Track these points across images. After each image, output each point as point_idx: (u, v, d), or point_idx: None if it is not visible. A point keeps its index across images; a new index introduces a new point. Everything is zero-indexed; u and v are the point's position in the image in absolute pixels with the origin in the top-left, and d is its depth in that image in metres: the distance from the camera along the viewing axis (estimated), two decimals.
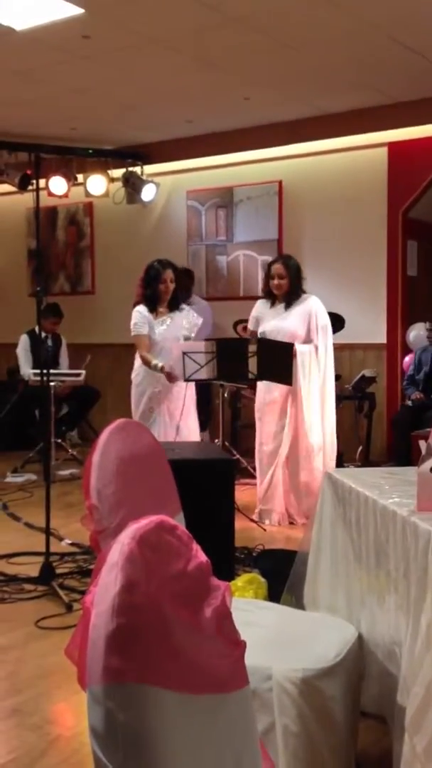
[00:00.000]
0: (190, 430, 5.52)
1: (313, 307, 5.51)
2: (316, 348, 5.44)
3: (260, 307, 5.69)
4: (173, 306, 5.59)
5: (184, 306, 5.71)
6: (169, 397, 5.49)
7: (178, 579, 1.26)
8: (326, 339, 5.51)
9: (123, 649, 1.08)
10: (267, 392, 5.54)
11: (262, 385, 5.54)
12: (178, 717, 1.14)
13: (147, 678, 1.09)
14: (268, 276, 5.59)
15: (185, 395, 5.46)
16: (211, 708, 1.23)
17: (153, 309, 5.53)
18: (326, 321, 5.55)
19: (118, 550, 1.19)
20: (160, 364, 5.34)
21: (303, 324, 5.47)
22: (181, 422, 5.43)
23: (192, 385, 5.56)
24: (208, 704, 1.23)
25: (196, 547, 1.37)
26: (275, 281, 5.50)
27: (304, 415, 5.38)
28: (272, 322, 5.52)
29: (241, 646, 1.38)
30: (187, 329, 5.56)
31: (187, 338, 5.53)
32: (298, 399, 5.39)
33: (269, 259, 7.50)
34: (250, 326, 5.75)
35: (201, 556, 1.35)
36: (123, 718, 1.06)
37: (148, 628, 1.13)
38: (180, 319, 5.57)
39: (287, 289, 5.50)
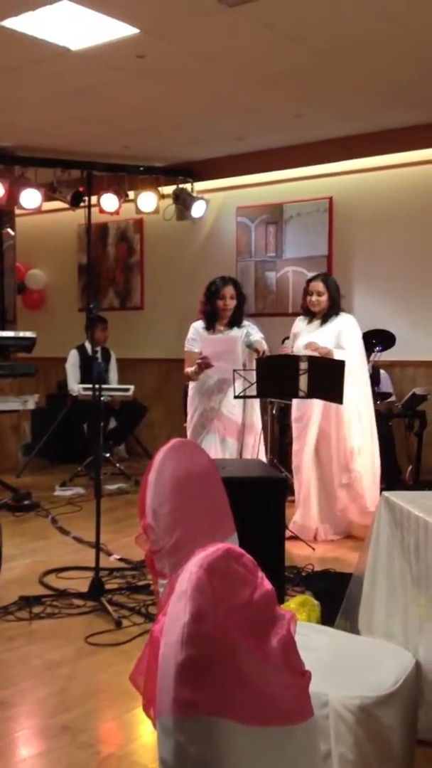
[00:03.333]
0: (250, 450, 5.51)
1: (342, 325, 5.50)
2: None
3: (298, 323, 5.72)
4: (233, 323, 5.52)
5: (246, 323, 5.62)
6: (220, 417, 5.45)
7: (246, 608, 1.24)
8: (359, 354, 5.49)
9: (193, 680, 1.07)
10: (299, 408, 5.55)
11: (295, 402, 5.54)
12: (247, 750, 1.13)
13: (217, 710, 1.08)
14: (306, 292, 5.59)
15: (244, 415, 5.45)
16: (278, 740, 1.21)
17: (211, 325, 5.48)
18: (352, 336, 5.51)
19: (187, 578, 1.17)
20: (192, 367, 5.33)
21: (333, 342, 5.45)
22: (228, 440, 5.43)
23: (255, 407, 5.55)
24: (276, 737, 1.21)
25: (262, 575, 1.36)
26: (313, 297, 5.51)
27: (343, 417, 5.41)
28: (305, 339, 5.51)
29: (306, 676, 1.37)
30: (248, 341, 5.50)
31: (249, 345, 5.45)
32: (329, 409, 5.40)
33: None
34: (290, 342, 5.75)
35: (266, 585, 1.34)
36: (193, 751, 1.05)
37: (217, 659, 1.11)
38: (235, 335, 5.50)
39: (326, 305, 5.50)
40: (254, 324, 5.67)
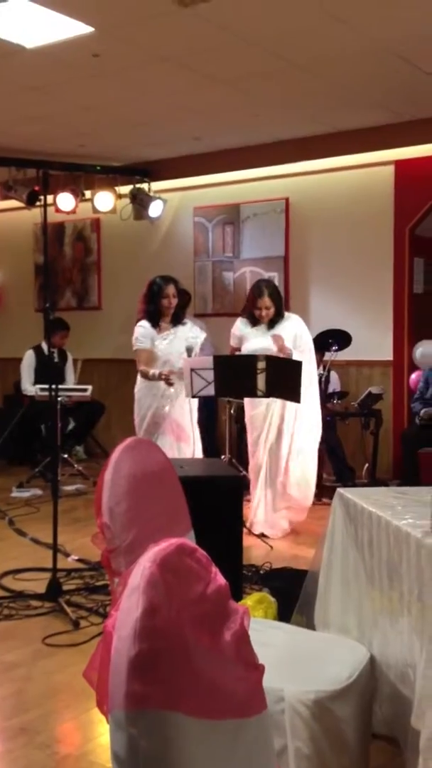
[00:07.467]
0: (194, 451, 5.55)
1: (297, 329, 5.65)
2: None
3: (241, 326, 5.75)
4: (176, 321, 5.61)
5: (187, 320, 5.74)
6: (173, 415, 5.49)
7: (199, 602, 1.25)
8: (312, 359, 5.69)
9: (145, 674, 1.08)
10: (253, 406, 5.59)
11: (248, 399, 5.59)
12: (199, 743, 1.14)
13: (169, 704, 1.09)
14: (253, 305, 5.62)
15: (191, 418, 5.50)
16: (231, 733, 1.22)
17: (156, 324, 5.57)
18: (310, 342, 5.75)
19: (140, 573, 1.18)
20: (157, 372, 5.38)
21: (290, 344, 5.56)
22: (182, 444, 5.48)
23: (194, 408, 5.60)
24: (229, 730, 1.22)
25: (215, 570, 1.37)
26: (263, 312, 5.59)
27: (288, 421, 5.53)
28: (258, 340, 5.58)
29: (259, 669, 1.38)
30: (188, 343, 5.57)
31: (189, 349, 5.53)
32: (280, 412, 5.52)
33: (276, 275, 7.56)
34: (232, 343, 5.82)
35: (220, 579, 1.35)
36: (145, 745, 1.06)
37: (170, 653, 1.12)
38: (183, 333, 5.60)
39: (273, 315, 5.62)
40: (198, 321, 5.76)
